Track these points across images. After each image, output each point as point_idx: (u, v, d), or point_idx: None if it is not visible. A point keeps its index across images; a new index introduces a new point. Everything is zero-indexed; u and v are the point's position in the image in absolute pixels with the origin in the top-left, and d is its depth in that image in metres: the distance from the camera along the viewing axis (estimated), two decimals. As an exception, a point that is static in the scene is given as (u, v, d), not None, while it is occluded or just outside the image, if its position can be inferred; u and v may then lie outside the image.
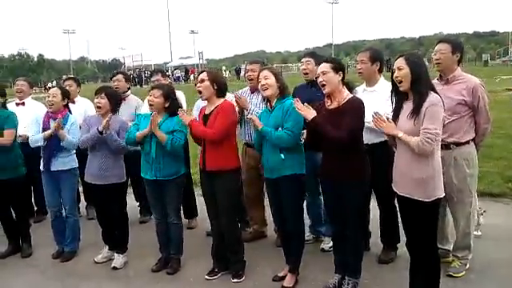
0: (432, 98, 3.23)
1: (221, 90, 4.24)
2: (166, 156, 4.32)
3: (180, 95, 5.64)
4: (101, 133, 4.47)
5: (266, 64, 5.23)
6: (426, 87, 3.28)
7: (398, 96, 3.45)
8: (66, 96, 4.95)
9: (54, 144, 4.76)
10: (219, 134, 4.07)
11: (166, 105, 4.37)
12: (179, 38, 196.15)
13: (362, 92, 4.33)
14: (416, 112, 3.24)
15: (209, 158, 4.17)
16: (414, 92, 3.30)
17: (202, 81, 4.18)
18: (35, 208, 6.30)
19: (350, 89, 3.83)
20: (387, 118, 3.40)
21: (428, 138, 3.17)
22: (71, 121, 4.86)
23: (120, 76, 6.02)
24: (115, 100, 4.70)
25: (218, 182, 4.18)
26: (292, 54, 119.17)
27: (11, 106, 5.72)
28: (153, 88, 4.48)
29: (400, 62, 3.33)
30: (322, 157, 3.93)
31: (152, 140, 4.32)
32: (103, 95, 4.60)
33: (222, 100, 4.24)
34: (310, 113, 3.65)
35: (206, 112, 4.25)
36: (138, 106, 5.84)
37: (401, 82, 3.33)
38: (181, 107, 4.47)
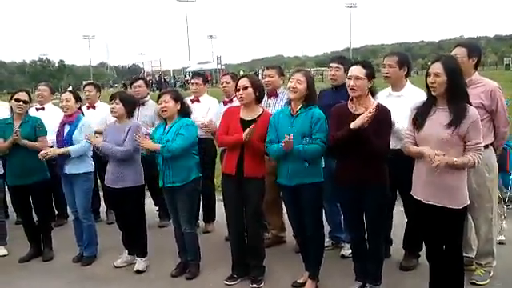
0: (473, 112, 3.26)
1: (260, 97, 4.25)
2: (173, 163, 4.33)
3: (214, 102, 5.64)
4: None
5: (282, 69, 5.19)
6: (463, 98, 3.27)
7: (429, 100, 3.41)
8: (79, 99, 5.04)
9: (65, 147, 4.83)
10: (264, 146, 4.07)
11: (178, 107, 4.41)
12: (197, 43, 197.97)
13: (386, 96, 4.29)
14: (457, 124, 3.22)
15: (247, 165, 4.14)
16: (448, 100, 3.27)
17: (245, 88, 4.14)
18: (56, 212, 6.36)
19: (372, 93, 3.78)
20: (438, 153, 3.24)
21: (479, 151, 3.26)
22: (81, 124, 4.89)
23: (141, 82, 6.07)
24: (130, 105, 4.74)
25: (252, 189, 4.17)
26: (310, 58, 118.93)
27: (32, 111, 5.79)
28: (160, 95, 4.50)
29: (437, 68, 3.28)
30: (338, 163, 3.89)
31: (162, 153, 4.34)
32: (118, 100, 4.66)
33: (260, 108, 4.25)
34: (356, 122, 3.53)
35: (245, 118, 4.19)
36: (156, 110, 5.86)
37: (435, 88, 3.29)
38: (190, 110, 4.55)
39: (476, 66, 4.04)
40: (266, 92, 5.00)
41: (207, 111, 5.51)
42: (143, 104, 5.80)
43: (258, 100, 4.23)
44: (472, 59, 3.97)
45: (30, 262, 5.17)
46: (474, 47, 4.07)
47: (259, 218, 4.36)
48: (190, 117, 4.52)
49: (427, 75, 3.36)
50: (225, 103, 5.30)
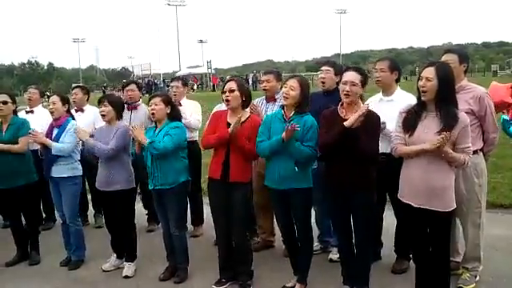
0: (463, 117, 3.32)
1: (246, 102, 4.24)
2: (162, 164, 4.33)
3: (196, 105, 5.64)
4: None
5: (280, 74, 5.17)
6: (453, 104, 3.32)
7: (418, 105, 3.44)
8: (66, 102, 5.00)
9: (50, 151, 4.79)
10: (255, 149, 4.05)
11: (168, 111, 4.41)
12: (188, 47, 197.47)
13: (378, 101, 4.34)
14: (448, 130, 3.25)
15: (233, 169, 4.12)
16: (438, 106, 3.31)
17: (232, 90, 4.13)
18: (43, 215, 6.31)
19: (361, 98, 3.81)
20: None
21: (469, 155, 3.36)
22: (69, 126, 4.86)
23: (133, 85, 6.06)
24: (118, 107, 4.74)
25: (237, 193, 4.15)
26: (300, 63, 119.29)
27: (21, 114, 5.76)
28: (151, 98, 4.51)
29: (430, 73, 3.32)
30: (326, 167, 3.89)
31: (148, 150, 4.33)
32: (106, 103, 4.65)
33: (247, 112, 4.24)
34: (350, 120, 3.55)
35: (231, 121, 4.13)
36: (146, 114, 5.86)
37: (425, 92, 3.32)
38: (179, 112, 4.57)
39: (465, 72, 4.08)
40: (264, 97, 5.05)
41: (190, 114, 5.49)
42: (135, 108, 5.80)
43: (244, 104, 4.22)
44: (463, 65, 4.01)
45: (17, 265, 5.13)
46: (464, 54, 4.13)
47: (245, 223, 4.34)
48: (180, 120, 4.52)
49: (419, 79, 3.40)
50: (268, 101, 5.09)
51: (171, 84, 5.94)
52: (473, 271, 4.13)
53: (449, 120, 3.28)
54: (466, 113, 3.89)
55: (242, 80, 4.57)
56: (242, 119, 4.09)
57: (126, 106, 5.60)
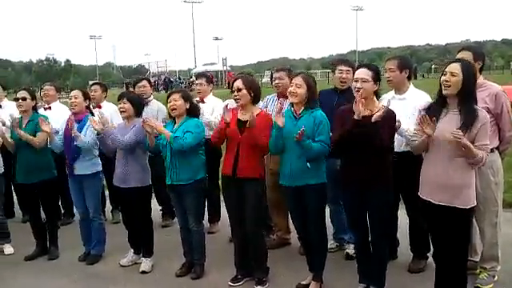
0: (482, 114, 3.31)
1: (256, 98, 4.26)
2: (181, 160, 4.36)
3: (219, 102, 5.65)
4: (98, 134, 4.65)
5: (292, 71, 5.18)
6: (474, 101, 3.33)
7: (439, 100, 3.43)
8: (87, 97, 5.08)
9: (74, 149, 4.86)
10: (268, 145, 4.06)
11: (187, 106, 4.44)
12: (203, 44, 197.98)
13: (390, 99, 4.30)
14: (468, 127, 3.26)
15: (242, 165, 4.15)
16: (460, 102, 3.31)
17: (239, 89, 4.15)
18: (62, 211, 6.40)
19: (376, 96, 3.80)
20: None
21: (487, 153, 3.34)
22: (88, 124, 4.88)
23: (145, 82, 6.20)
24: (137, 104, 4.79)
25: (248, 189, 4.17)
26: (315, 60, 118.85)
27: (40, 111, 5.84)
28: (170, 94, 4.55)
29: (455, 68, 3.31)
30: (342, 164, 3.90)
31: (167, 145, 4.37)
32: (125, 100, 4.71)
33: (257, 108, 4.26)
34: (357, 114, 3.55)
35: (242, 118, 4.19)
36: (158, 109, 5.96)
37: (449, 86, 3.31)
38: (199, 108, 4.59)
39: (481, 69, 4.05)
40: (276, 94, 5.06)
41: (212, 112, 5.53)
42: (146, 104, 5.86)
43: (255, 100, 4.25)
44: (478, 63, 3.98)
45: (36, 260, 5.22)
46: (478, 51, 4.10)
47: (258, 220, 4.32)
48: (198, 117, 4.55)
49: (442, 74, 3.39)
50: (279, 97, 5.04)
51: (196, 81, 6.00)
52: (491, 271, 4.09)
53: (469, 117, 3.27)
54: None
55: (250, 77, 4.58)
56: (248, 115, 4.11)
57: None
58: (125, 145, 4.59)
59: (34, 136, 4.96)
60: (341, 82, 4.74)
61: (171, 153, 4.38)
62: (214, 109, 5.57)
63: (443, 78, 3.36)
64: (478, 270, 4.14)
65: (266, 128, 4.06)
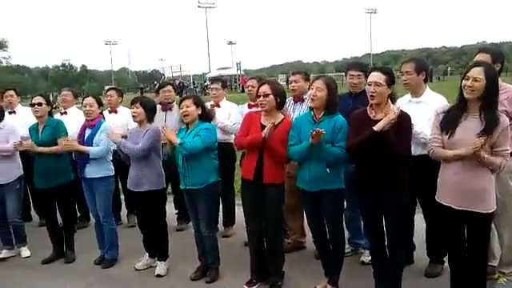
0: (503, 119, 3.27)
1: (281, 104, 4.23)
2: (193, 165, 4.38)
3: (234, 107, 5.67)
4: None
5: (308, 74, 5.18)
6: (495, 106, 3.29)
7: (459, 104, 3.40)
8: (100, 104, 5.13)
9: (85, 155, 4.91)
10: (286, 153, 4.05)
11: (199, 112, 4.45)
12: (217, 48, 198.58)
13: (407, 103, 4.27)
14: (489, 132, 3.23)
15: (267, 170, 4.13)
16: (482, 107, 3.27)
17: (267, 95, 4.10)
18: (78, 214, 6.46)
19: (392, 99, 3.76)
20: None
21: (506, 158, 3.29)
22: (102, 128, 4.96)
23: (170, 87, 6.18)
24: (150, 109, 4.81)
25: (271, 194, 4.16)
26: (329, 63, 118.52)
27: (56, 116, 5.90)
28: (182, 100, 4.57)
29: (479, 73, 3.27)
30: (358, 169, 3.87)
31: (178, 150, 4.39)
32: (138, 105, 4.73)
33: (281, 115, 4.23)
34: (379, 124, 3.52)
35: (266, 123, 4.13)
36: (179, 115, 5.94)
37: (473, 91, 3.27)
38: (211, 113, 4.59)
39: (499, 72, 3.99)
40: (292, 97, 5.06)
41: (228, 116, 5.54)
42: (170, 109, 5.88)
43: (279, 106, 4.21)
44: (497, 65, 3.92)
45: (53, 263, 5.27)
46: (497, 53, 4.04)
47: (279, 224, 4.36)
48: (210, 121, 4.56)
49: (464, 79, 3.34)
50: (249, 106, 5.26)
51: (211, 86, 6.02)
52: (509, 275, 4.03)
53: (490, 122, 3.23)
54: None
55: (276, 82, 4.57)
56: (276, 122, 4.09)
57: (161, 106, 5.73)
58: (137, 154, 4.64)
59: (53, 141, 5.03)
60: (351, 87, 4.71)
61: (183, 158, 4.39)
62: (230, 113, 5.58)
63: (465, 82, 3.30)
64: (496, 275, 4.08)
65: (287, 134, 4.05)
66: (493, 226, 4.06)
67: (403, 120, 3.58)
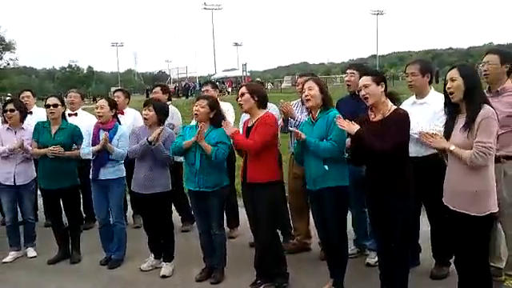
0: (485, 110, 3.18)
1: (261, 102, 4.27)
2: (210, 167, 4.39)
3: (229, 107, 5.72)
4: (150, 143, 4.56)
5: (315, 76, 5.19)
6: (479, 99, 3.23)
7: (451, 108, 3.40)
8: (114, 106, 5.10)
9: (104, 155, 4.91)
10: (258, 144, 4.08)
11: (211, 115, 4.44)
12: (223, 50, 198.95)
13: (411, 104, 4.28)
14: (469, 125, 3.19)
15: (250, 170, 4.21)
16: (466, 104, 3.25)
17: (242, 94, 4.23)
18: (84, 215, 6.47)
19: (394, 100, 3.79)
20: (434, 133, 3.36)
21: (481, 151, 3.13)
22: (120, 132, 4.99)
23: (158, 88, 6.25)
24: (162, 112, 4.80)
25: (257, 194, 4.19)
26: (336, 65, 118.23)
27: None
28: (198, 99, 4.57)
29: (453, 73, 3.30)
30: (366, 171, 3.89)
31: (197, 151, 4.38)
32: (151, 107, 4.72)
33: (263, 111, 4.27)
34: (352, 127, 3.62)
35: (249, 124, 4.29)
36: (172, 115, 5.80)
37: (453, 93, 3.29)
38: (224, 119, 4.52)
39: (508, 73, 3.96)
40: (299, 100, 5.05)
41: None
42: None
43: (261, 104, 4.27)
44: (505, 65, 3.90)
45: (59, 263, 5.28)
46: (506, 54, 4.00)
47: (269, 225, 4.27)
48: (221, 125, 4.48)
49: (445, 84, 3.36)
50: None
51: (203, 88, 6.04)
52: (516, 278, 4.00)
53: (471, 115, 3.21)
54: (508, 116, 3.80)
55: (254, 83, 4.67)
56: (255, 121, 4.19)
57: None
58: (167, 159, 4.67)
59: (68, 146, 5.07)
60: (347, 85, 4.80)
61: (201, 160, 4.39)
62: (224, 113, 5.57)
63: (446, 86, 3.33)
64: (503, 277, 4.06)
65: (258, 127, 4.12)
66: (500, 227, 4.05)
67: (395, 118, 3.62)
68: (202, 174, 4.41)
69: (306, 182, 4.19)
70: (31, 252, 5.56)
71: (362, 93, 3.71)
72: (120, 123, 5.14)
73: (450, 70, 3.37)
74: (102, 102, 5.04)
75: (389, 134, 3.54)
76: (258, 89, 4.36)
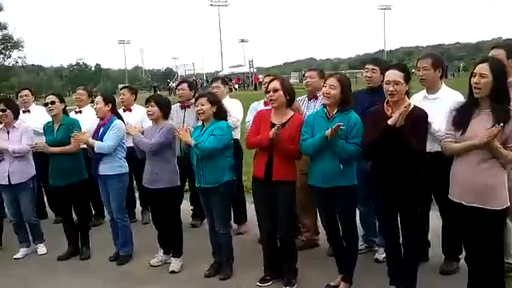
0: None
1: (291, 101, 4.21)
2: (207, 163, 4.39)
3: (237, 104, 5.71)
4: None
5: (323, 72, 5.16)
6: (505, 101, 3.24)
7: (470, 101, 3.37)
8: (109, 101, 5.12)
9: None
10: (298, 147, 4.03)
11: (214, 110, 4.45)
12: (230, 46, 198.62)
13: (422, 99, 4.24)
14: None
15: (278, 168, 4.11)
16: (492, 102, 3.24)
17: (276, 90, 4.10)
18: (93, 212, 6.52)
19: (407, 94, 3.74)
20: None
21: None
22: (112, 125, 4.99)
23: (184, 85, 6.11)
24: (165, 107, 4.83)
25: (282, 192, 4.15)
26: (342, 60, 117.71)
27: (71, 114, 5.95)
28: (198, 98, 4.58)
29: (484, 69, 3.24)
30: (374, 166, 3.85)
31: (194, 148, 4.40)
32: (153, 103, 4.76)
33: (291, 112, 4.21)
34: (393, 118, 3.50)
35: (274, 120, 4.15)
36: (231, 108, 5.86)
37: (479, 89, 3.25)
38: (225, 113, 4.57)
39: None
40: (306, 95, 5.05)
41: (228, 113, 5.52)
42: (188, 106, 5.85)
43: (289, 103, 4.20)
44: (511, 60, 3.88)
45: (69, 260, 5.32)
46: None
47: (291, 222, 4.34)
48: (225, 119, 4.55)
49: (471, 76, 3.31)
50: (266, 104, 5.13)
51: (212, 85, 5.97)
52: (527, 274, 3.98)
53: (501, 117, 3.19)
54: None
55: (286, 79, 4.56)
56: (284, 119, 4.10)
57: (179, 104, 5.83)
58: (150, 148, 4.66)
59: (69, 140, 5.07)
60: (366, 80, 4.71)
61: (197, 157, 4.41)
62: (231, 110, 5.56)
63: (473, 80, 3.28)
64: (512, 273, 4.03)
65: (297, 132, 4.04)
66: (509, 222, 4.02)
67: (419, 116, 3.56)
68: (202, 171, 4.43)
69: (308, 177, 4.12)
70: (41, 249, 5.60)
71: (391, 88, 3.59)
72: (120, 118, 5.17)
73: (480, 63, 3.30)
74: (98, 98, 5.12)
75: (419, 133, 3.52)
76: (291, 87, 4.22)
